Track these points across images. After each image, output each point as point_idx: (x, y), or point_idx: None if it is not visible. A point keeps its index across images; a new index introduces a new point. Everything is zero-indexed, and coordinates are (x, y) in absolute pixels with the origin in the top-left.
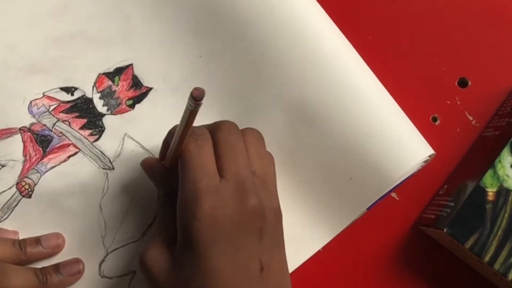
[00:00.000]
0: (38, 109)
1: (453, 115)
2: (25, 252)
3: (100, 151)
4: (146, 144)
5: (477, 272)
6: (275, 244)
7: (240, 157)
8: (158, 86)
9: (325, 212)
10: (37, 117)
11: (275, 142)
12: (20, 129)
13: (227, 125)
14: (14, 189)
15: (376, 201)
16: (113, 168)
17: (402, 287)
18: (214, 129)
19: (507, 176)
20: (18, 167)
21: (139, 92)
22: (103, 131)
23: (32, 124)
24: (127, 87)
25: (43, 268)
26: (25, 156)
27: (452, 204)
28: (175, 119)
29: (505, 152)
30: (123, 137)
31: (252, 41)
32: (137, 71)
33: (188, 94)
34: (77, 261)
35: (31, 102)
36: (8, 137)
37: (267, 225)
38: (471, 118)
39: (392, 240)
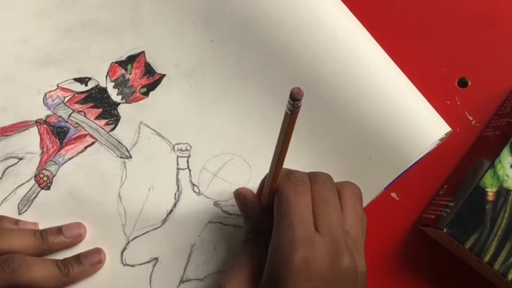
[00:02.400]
0: (53, 101)
1: (453, 115)
2: (46, 241)
3: (117, 140)
4: (162, 131)
5: (477, 272)
6: None
7: (335, 213)
8: (171, 72)
9: None
10: (52, 109)
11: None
12: (36, 121)
13: (323, 178)
14: (32, 181)
15: (394, 180)
16: (130, 157)
17: (402, 287)
18: (310, 178)
19: (507, 176)
20: (36, 160)
21: (153, 79)
22: (118, 120)
23: (48, 116)
24: (140, 74)
25: (65, 259)
26: (42, 148)
27: (452, 204)
28: (190, 104)
29: (505, 152)
30: (139, 125)
31: (264, 24)
32: (149, 59)
33: (201, 79)
34: (98, 250)
35: (45, 94)
36: (25, 130)
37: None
38: (471, 118)
39: (392, 240)
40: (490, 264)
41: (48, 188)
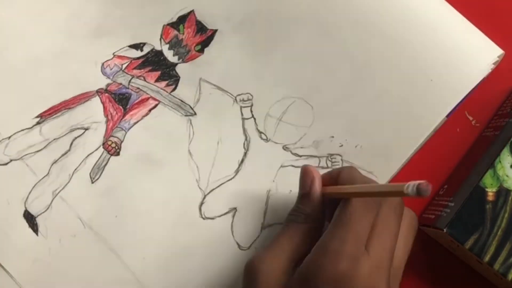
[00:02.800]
0: (111, 69)
1: (453, 115)
2: None
3: (180, 99)
4: (222, 85)
5: (477, 272)
6: None
7: (391, 241)
8: (222, 27)
9: (409, 117)
10: (111, 77)
11: (348, 58)
12: (97, 91)
13: (395, 204)
14: (101, 149)
15: (456, 107)
16: (195, 114)
17: (402, 287)
18: (381, 199)
19: (507, 176)
20: (102, 128)
21: (206, 36)
22: (178, 80)
23: (108, 85)
24: (192, 33)
25: None
26: (106, 116)
27: (452, 204)
28: (245, 55)
29: (505, 152)
30: (199, 82)
31: None
32: (199, 16)
33: (253, 29)
34: None
35: (103, 64)
36: (87, 101)
37: None
38: (471, 118)
39: None
40: (490, 264)
41: (118, 154)
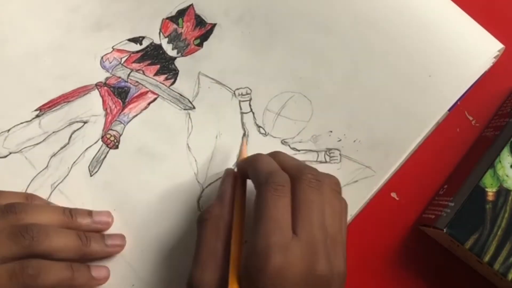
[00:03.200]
0: (110, 63)
1: (453, 115)
2: (74, 220)
3: (178, 93)
4: (221, 79)
5: (477, 272)
6: None
7: (316, 215)
8: (221, 21)
9: (410, 112)
10: (110, 70)
11: (348, 54)
12: (96, 85)
13: (309, 176)
14: (100, 142)
15: (456, 103)
16: (194, 107)
17: (402, 287)
18: (295, 177)
19: (507, 176)
20: (101, 121)
21: (205, 30)
22: (177, 73)
23: (107, 78)
24: (192, 27)
25: (88, 232)
26: (105, 109)
27: (452, 204)
28: (244, 49)
29: (505, 152)
30: (198, 76)
31: None
32: (198, 10)
33: (252, 23)
34: (121, 236)
35: (102, 57)
36: (86, 94)
37: None
38: (471, 118)
39: (392, 240)
40: (490, 264)
41: (117, 147)
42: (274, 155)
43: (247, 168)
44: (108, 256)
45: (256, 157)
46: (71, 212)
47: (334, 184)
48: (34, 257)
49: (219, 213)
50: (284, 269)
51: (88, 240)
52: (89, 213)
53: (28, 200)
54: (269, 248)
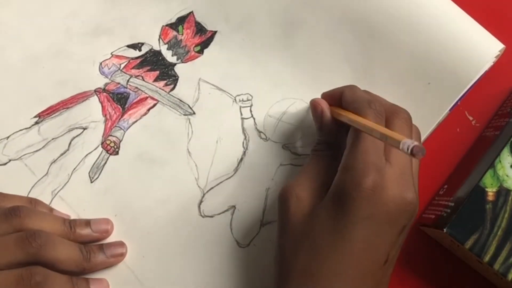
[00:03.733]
0: (109, 69)
1: (453, 115)
2: (74, 231)
3: (178, 98)
4: (222, 85)
5: (477, 272)
6: (403, 241)
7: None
8: (222, 28)
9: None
10: (109, 77)
11: (347, 62)
12: (95, 91)
13: (406, 115)
14: (100, 149)
15: (457, 102)
16: (194, 113)
17: (402, 287)
18: (391, 112)
19: (507, 176)
20: (100, 127)
21: (205, 37)
22: (177, 79)
23: (106, 84)
24: (192, 34)
25: (88, 245)
26: (105, 115)
27: (452, 204)
28: (245, 56)
29: (505, 152)
30: (198, 82)
31: None
32: (198, 18)
33: (252, 30)
34: (121, 244)
35: (101, 63)
36: (85, 100)
37: (409, 225)
38: (471, 118)
39: None
40: (490, 264)
41: (117, 153)
42: (366, 91)
43: (343, 91)
44: (110, 266)
45: (352, 86)
46: (70, 224)
47: (419, 133)
48: (36, 265)
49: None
50: (379, 188)
51: (89, 254)
52: (87, 223)
53: (32, 205)
54: (367, 165)
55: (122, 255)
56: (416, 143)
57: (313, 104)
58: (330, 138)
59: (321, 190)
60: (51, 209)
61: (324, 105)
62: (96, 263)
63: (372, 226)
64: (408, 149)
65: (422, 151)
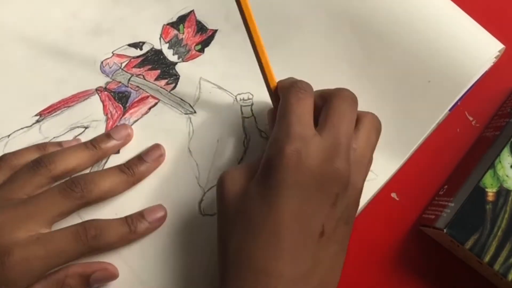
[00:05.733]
0: (110, 68)
1: (453, 115)
2: (100, 149)
3: (179, 97)
4: (223, 84)
5: (477, 272)
6: (343, 220)
7: (345, 125)
8: (222, 26)
9: (409, 115)
10: (111, 75)
11: (346, 59)
12: (96, 89)
13: (346, 94)
14: None
15: (457, 102)
16: (195, 112)
17: (402, 287)
18: (331, 94)
19: (507, 176)
20: (102, 126)
21: (206, 36)
22: (178, 78)
23: (107, 83)
24: (193, 33)
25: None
26: (106, 114)
27: (452, 204)
28: (245, 55)
29: (505, 152)
30: (199, 81)
31: None
32: (199, 16)
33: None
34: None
35: (102, 62)
36: (86, 99)
37: (344, 197)
38: (471, 118)
39: (392, 240)
40: (490, 265)
41: (118, 152)
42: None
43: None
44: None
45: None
46: (92, 144)
47: (376, 121)
48: (88, 206)
49: None
50: (301, 154)
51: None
52: (108, 135)
53: (41, 151)
54: (290, 135)
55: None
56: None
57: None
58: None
59: (256, 169)
60: (60, 144)
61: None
62: (141, 172)
63: (299, 194)
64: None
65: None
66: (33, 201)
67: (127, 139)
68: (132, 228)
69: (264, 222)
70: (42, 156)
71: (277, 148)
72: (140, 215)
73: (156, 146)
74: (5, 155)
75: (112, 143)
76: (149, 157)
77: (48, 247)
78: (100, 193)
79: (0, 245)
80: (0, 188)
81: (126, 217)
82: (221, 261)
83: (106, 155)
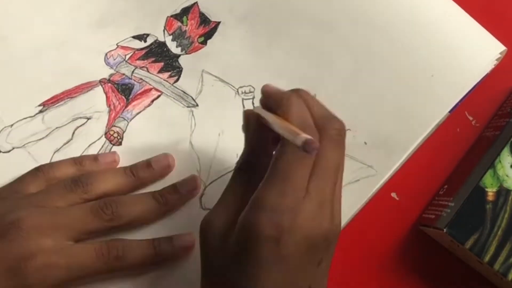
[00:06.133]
0: (114, 59)
1: (453, 115)
2: (138, 177)
3: (182, 90)
4: (225, 77)
5: (477, 272)
6: (327, 270)
7: (332, 175)
8: (225, 19)
9: (411, 114)
10: (114, 67)
11: (349, 53)
12: (100, 81)
13: (334, 134)
14: (103, 139)
15: (457, 104)
16: (197, 105)
17: (402, 287)
18: (320, 129)
19: (507, 176)
20: (104, 118)
21: (209, 28)
22: (181, 71)
23: (111, 75)
24: (196, 25)
25: (160, 190)
26: (109, 106)
27: (452, 204)
28: (248, 48)
29: (505, 152)
30: (201, 74)
31: None
32: (202, 8)
33: (256, 21)
34: (193, 177)
35: (106, 54)
36: (89, 90)
37: (329, 252)
38: (471, 118)
39: (392, 240)
40: (490, 264)
41: (120, 144)
42: (305, 99)
43: (277, 107)
44: (188, 201)
45: (290, 100)
46: (132, 171)
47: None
48: (118, 229)
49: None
50: (292, 229)
51: (163, 197)
52: (148, 164)
53: (77, 165)
54: (280, 207)
55: (197, 188)
56: (308, 136)
57: (244, 112)
58: (253, 157)
59: (236, 219)
60: (96, 158)
61: (251, 113)
62: (173, 203)
63: (283, 267)
64: (300, 143)
65: (314, 145)
66: (65, 213)
67: (166, 170)
68: (157, 251)
69: None
70: (81, 176)
71: (263, 218)
72: (169, 239)
73: (192, 178)
74: (42, 166)
75: (150, 172)
76: (184, 188)
77: (70, 259)
78: (130, 218)
79: (26, 249)
80: (34, 195)
81: (153, 240)
82: None
83: (143, 185)
